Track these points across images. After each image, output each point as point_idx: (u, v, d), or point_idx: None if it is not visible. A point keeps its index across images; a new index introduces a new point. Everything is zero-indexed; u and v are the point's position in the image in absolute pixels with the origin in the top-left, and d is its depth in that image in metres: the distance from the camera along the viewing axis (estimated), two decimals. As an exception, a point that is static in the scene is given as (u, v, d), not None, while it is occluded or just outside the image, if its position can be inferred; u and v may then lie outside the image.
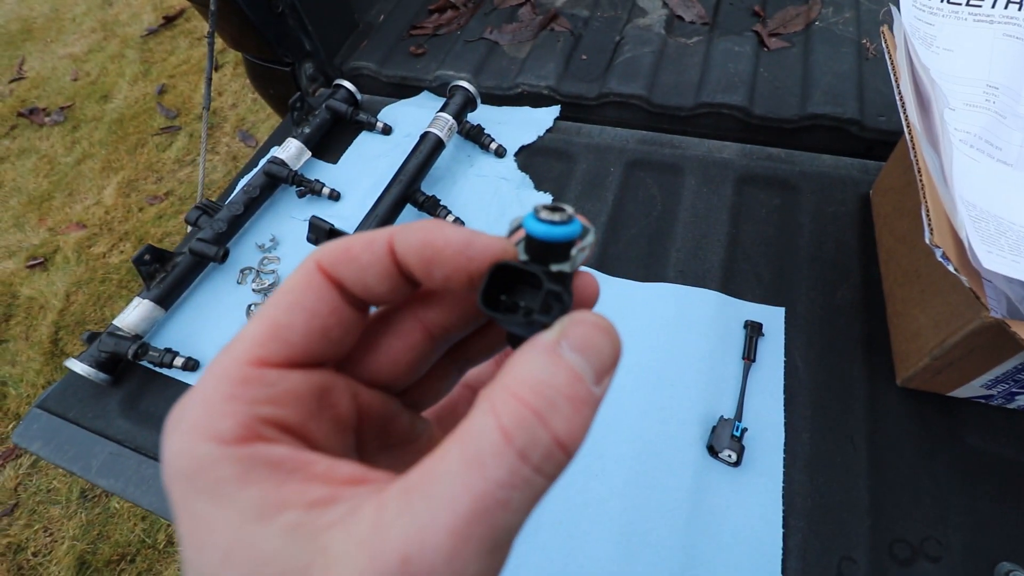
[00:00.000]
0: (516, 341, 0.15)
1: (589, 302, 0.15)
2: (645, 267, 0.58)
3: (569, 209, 0.14)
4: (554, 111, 0.73)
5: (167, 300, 0.57)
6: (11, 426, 1.33)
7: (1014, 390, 0.43)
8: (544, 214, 0.14)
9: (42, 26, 2.38)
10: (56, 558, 1.18)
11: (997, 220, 0.38)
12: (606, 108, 0.73)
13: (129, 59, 2.17)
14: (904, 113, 0.39)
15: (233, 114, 1.87)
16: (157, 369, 0.55)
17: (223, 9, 0.73)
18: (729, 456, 0.44)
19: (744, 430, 0.45)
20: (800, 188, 0.61)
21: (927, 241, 0.33)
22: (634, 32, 0.79)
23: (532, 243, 0.14)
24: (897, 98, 0.40)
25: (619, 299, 0.55)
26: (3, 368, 1.42)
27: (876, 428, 0.46)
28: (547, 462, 0.11)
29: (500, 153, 0.68)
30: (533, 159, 0.69)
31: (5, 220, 1.74)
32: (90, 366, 0.52)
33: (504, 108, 0.74)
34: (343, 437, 0.15)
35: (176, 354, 0.54)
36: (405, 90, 0.81)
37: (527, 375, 0.12)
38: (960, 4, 0.48)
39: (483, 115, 0.72)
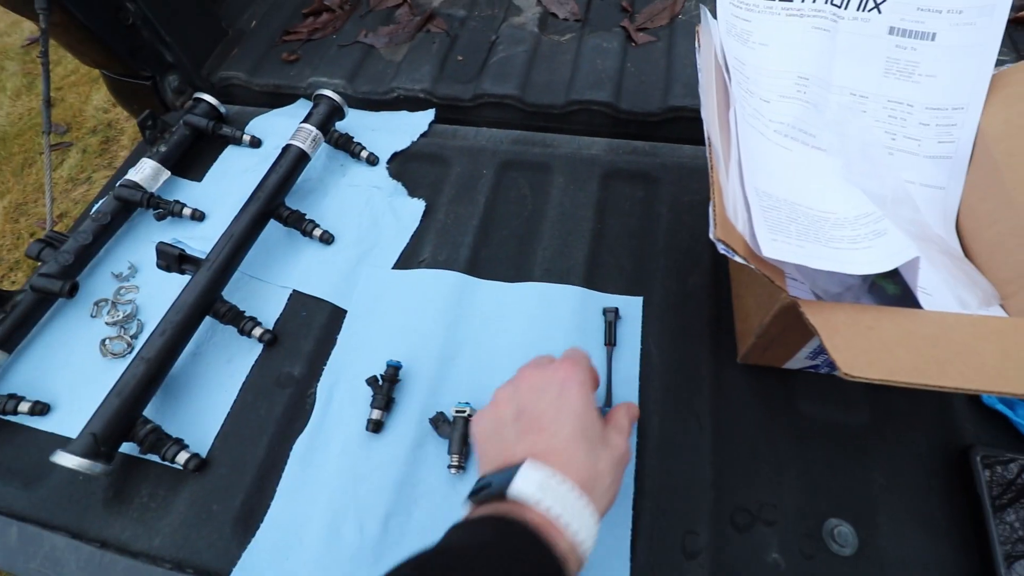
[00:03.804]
0: None
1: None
2: (515, 268, 0.59)
3: None
4: (429, 115, 0.73)
5: (9, 343, 0.53)
6: None
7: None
8: None
9: (-97, 39, 2.15)
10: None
11: (792, 206, 0.41)
12: (482, 109, 0.73)
13: (10, 71, 2.00)
14: (703, 112, 0.41)
15: (130, 126, 1.76)
16: (2, 417, 0.52)
17: (66, 24, 0.68)
18: (583, 447, 0.46)
19: (600, 420, 0.47)
20: (660, 179, 0.64)
21: (711, 236, 0.35)
22: (509, 31, 0.79)
23: None
24: (702, 97, 0.42)
25: (489, 302, 0.56)
26: None
27: (720, 404, 0.49)
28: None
29: (372, 161, 0.67)
30: (407, 165, 0.68)
31: None
32: (-81, 422, 0.48)
33: (379, 113, 0.73)
34: None
35: (21, 399, 0.51)
36: (281, 99, 0.78)
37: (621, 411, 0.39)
38: (774, 0, 0.51)
39: (357, 121, 0.71)
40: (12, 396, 0.51)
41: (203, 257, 0.54)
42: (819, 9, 0.51)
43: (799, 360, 0.48)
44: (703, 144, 0.68)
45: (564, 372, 0.36)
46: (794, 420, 0.48)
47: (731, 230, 0.35)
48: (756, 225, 0.36)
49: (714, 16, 0.49)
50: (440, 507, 0.46)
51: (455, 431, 0.47)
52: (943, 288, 0.40)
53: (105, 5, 0.68)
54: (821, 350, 0.46)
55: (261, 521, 0.45)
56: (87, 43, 0.71)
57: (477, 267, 0.59)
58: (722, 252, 0.35)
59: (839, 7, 0.51)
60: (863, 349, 0.33)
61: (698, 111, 0.67)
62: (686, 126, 0.69)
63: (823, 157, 0.49)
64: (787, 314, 0.40)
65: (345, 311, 0.56)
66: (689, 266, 0.57)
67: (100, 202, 0.61)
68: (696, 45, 0.47)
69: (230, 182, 0.66)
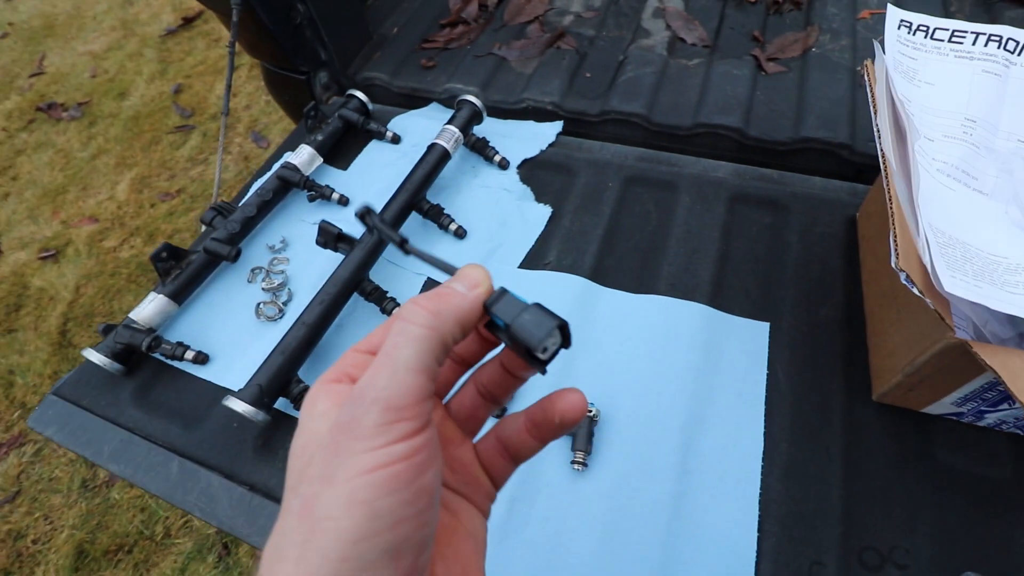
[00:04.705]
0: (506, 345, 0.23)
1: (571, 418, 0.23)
2: (638, 279, 0.60)
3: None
4: (557, 126, 0.76)
5: (180, 296, 0.60)
6: (16, 414, 1.36)
7: (983, 408, 0.46)
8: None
9: (64, 23, 2.44)
10: (55, 546, 1.20)
11: (964, 246, 0.40)
12: (607, 125, 0.76)
13: (147, 58, 2.22)
14: (880, 144, 0.41)
15: (247, 115, 1.91)
16: (168, 361, 0.58)
17: (244, 19, 0.76)
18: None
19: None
20: (790, 208, 0.63)
21: (893, 265, 0.35)
22: (637, 52, 0.82)
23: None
24: (874, 129, 0.42)
25: (612, 309, 0.58)
26: (11, 357, 1.45)
27: (851, 440, 0.48)
28: None
29: (503, 165, 0.71)
30: (535, 172, 0.71)
31: (20, 212, 1.78)
32: (106, 356, 0.55)
33: (509, 122, 0.77)
34: None
35: (187, 348, 0.57)
36: (415, 101, 0.84)
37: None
38: (943, 41, 0.50)
39: (489, 128, 0.75)
40: (180, 344, 0.57)
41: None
42: (991, 54, 0.50)
43: (943, 405, 0.47)
44: (832, 177, 0.69)
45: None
46: (930, 466, 0.47)
47: (914, 262, 0.35)
48: (935, 261, 0.36)
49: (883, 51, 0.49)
50: (561, 500, 0.47)
51: (580, 428, 0.49)
52: None
53: (282, 5, 0.75)
54: (970, 397, 0.45)
55: (394, 487, 0.48)
56: (259, 36, 0.79)
57: (601, 275, 0.61)
58: (903, 283, 0.35)
59: (1012, 52, 0.50)
60: (1054, 397, 0.32)
61: (831, 143, 0.68)
62: (816, 157, 0.69)
63: (985, 200, 0.48)
64: (949, 354, 0.40)
65: (474, 302, 0.59)
66: (820, 297, 0.56)
67: (264, 179, 0.68)
68: (866, 79, 0.47)
69: (372, 173, 0.72)
